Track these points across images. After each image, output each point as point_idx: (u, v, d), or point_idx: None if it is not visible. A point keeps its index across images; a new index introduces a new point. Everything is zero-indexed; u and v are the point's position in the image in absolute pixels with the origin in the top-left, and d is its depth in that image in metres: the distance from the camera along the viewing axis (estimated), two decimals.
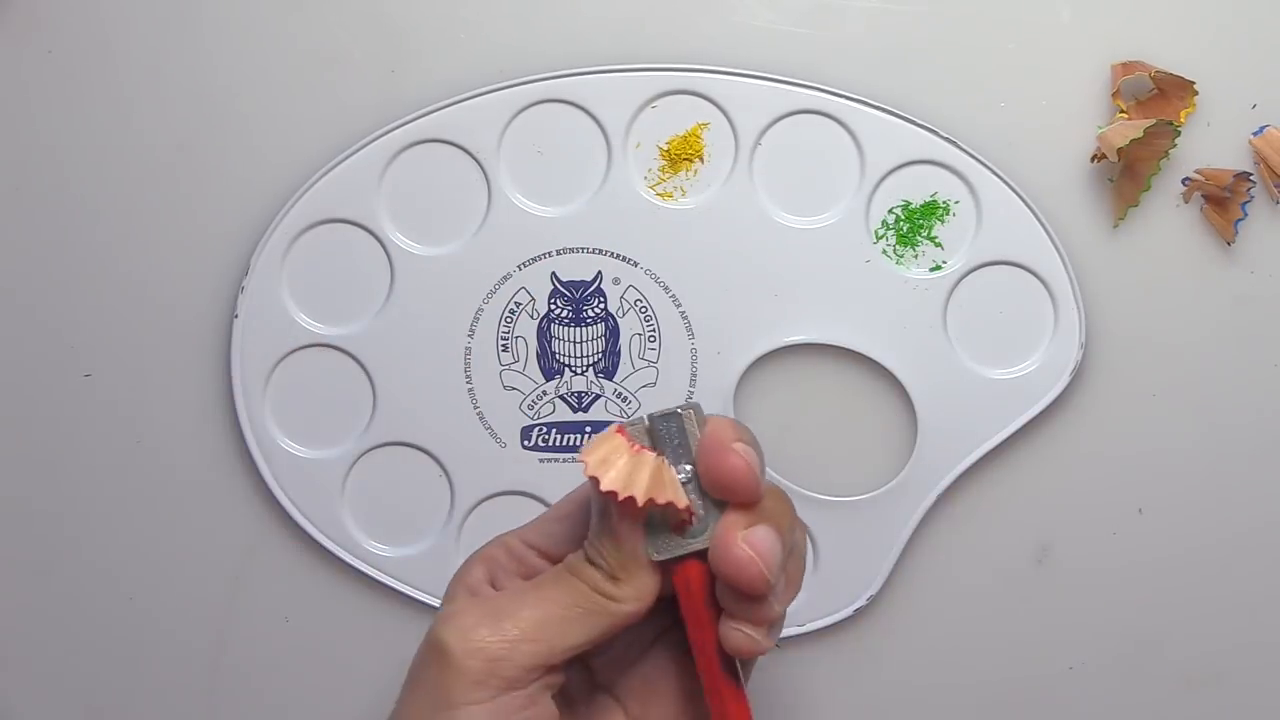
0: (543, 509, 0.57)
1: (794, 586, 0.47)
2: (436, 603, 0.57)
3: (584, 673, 0.48)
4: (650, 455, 0.45)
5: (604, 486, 0.44)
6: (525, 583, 0.47)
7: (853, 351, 0.57)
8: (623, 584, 0.45)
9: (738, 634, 0.45)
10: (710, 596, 0.46)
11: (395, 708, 0.46)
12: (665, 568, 0.46)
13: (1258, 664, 0.57)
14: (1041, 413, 0.56)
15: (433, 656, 0.45)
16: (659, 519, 0.45)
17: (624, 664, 0.48)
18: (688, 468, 0.45)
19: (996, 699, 0.58)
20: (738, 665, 0.46)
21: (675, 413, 0.45)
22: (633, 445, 0.45)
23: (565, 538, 0.48)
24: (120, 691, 0.59)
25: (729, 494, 0.45)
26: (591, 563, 0.46)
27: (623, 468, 0.44)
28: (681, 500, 0.45)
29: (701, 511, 0.45)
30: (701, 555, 0.45)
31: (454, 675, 0.44)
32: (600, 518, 0.46)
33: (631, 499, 0.44)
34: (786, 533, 0.46)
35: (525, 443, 0.57)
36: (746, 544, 0.44)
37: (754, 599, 0.45)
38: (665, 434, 0.45)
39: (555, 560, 0.47)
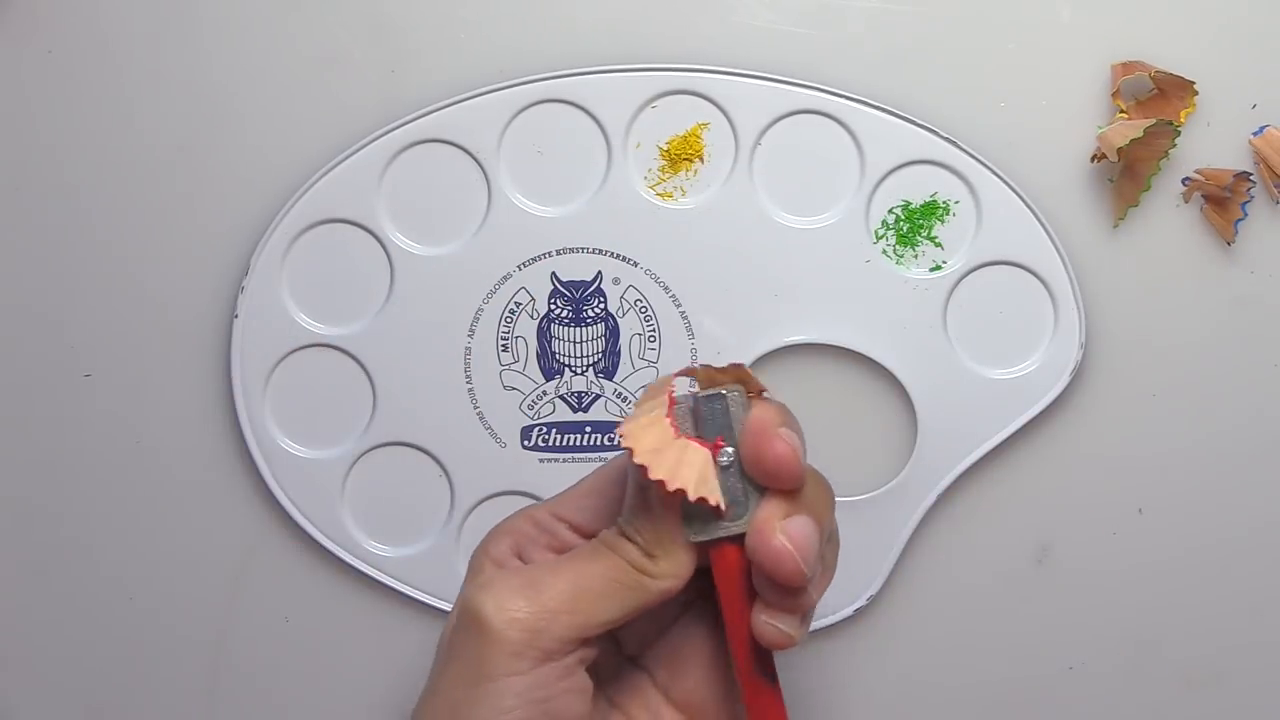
0: None
1: (829, 573, 0.46)
2: (437, 603, 0.57)
3: (611, 643, 0.48)
4: (699, 450, 0.44)
5: (653, 475, 0.43)
6: (559, 556, 0.46)
7: (853, 351, 0.57)
8: (659, 561, 0.45)
9: (770, 628, 0.44)
10: (747, 580, 0.45)
11: (429, 681, 0.46)
12: (701, 545, 0.45)
13: (1258, 664, 0.57)
14: (1041, 413, 0.56)
15: (470, 627, 0.44)
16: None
17: (652, 634, 0.48)
18: (729, 450, 0.45)
19: (996, 699, 0.58)
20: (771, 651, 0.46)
21: (720, 394, 0.45)
22: (679, 433, 0.44)
23: (600, 513, 0.47)
24: (120, 691, 0.59)
25: (772, 480, 0.44)
26: (627, 539, 0.45)
27: (670, 456, 0.44)
28: (714, 498, 0.44)
29: (743, 497, 0.45)
30: (739, 539, 0.45)
31: (493, 646, 0.43)
32: (637, 495, 0.45)
33: (681, 491, 0.44)
34: (825, 520, 0.45)
35: (525, 443, 0.57)
36: (784, 535, 0.44)
37: (790, 590, 0.44)
38: (709, 414, 0.45)
39: (587, 535, 0.47)
